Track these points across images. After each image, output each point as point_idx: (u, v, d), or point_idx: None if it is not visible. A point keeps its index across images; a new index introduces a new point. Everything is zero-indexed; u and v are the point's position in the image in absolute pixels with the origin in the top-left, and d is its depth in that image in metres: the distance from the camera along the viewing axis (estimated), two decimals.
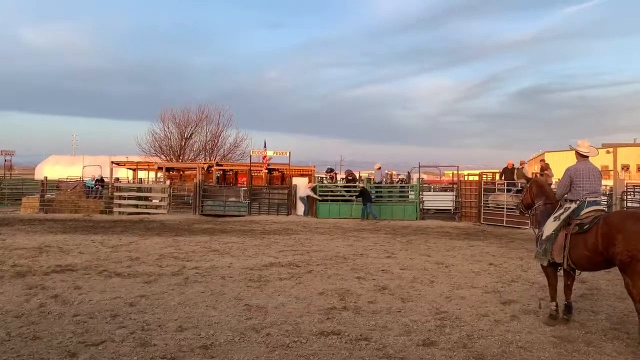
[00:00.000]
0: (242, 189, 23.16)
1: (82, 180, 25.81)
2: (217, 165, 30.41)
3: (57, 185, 24.88)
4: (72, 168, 42.71)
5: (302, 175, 26.31)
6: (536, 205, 6.65)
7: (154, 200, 22.43)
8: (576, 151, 6.22)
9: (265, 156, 26.82)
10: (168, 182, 24.68)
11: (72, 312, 6.19)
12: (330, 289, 7.62)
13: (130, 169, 33.09)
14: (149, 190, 24.54)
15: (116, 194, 22.17)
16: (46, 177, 24.89)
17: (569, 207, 5.92)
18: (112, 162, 29.57)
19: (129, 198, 22.24)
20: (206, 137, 40.41)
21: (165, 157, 38.38)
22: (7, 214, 21.15)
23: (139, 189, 24.07)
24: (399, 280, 8.36)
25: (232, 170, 33.02)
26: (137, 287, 7.61)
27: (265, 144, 26.94)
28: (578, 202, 5.89)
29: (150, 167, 30.92)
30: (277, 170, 30.04)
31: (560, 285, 6.15)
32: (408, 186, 23.31)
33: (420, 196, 21.24)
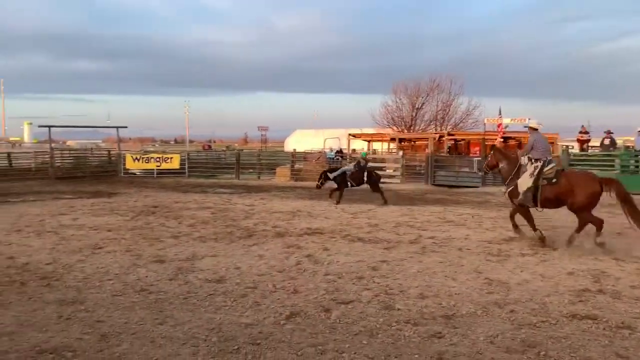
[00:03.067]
0: (475, 159, 22.45)
1: (324, 151, 28.15)
2: (449, 135, 30.03)
3: (304, 156, 27.64)
4: (314, 140, 46.86)
5: None
6: (501, 166, 9.19)
7: (387, 170, 23.29)
8: (530, 127, 8.99)
9: (500, 124, 25.41)
10: (401, 152, 25.33)
11: (323, 271, 6.85)
12: (582, 269, 6.91)
13: (365, 140, 34.90)
14: (383, 160, 25.57)
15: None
16: (295, 149, 27.89)
17: (537, 166, 8.36)
18: (349, 135, 31.57)
19: None
20: (437, 106, 40.19)
21: (397, 128, 39.38)
22: (265, 182, 24.35)
23: (374, 159, 25.26)
24: None
25: (464, 139, 32.23)
26: (378, 252, 8.03)
27: (500, 111, 25.49)
28: (542, 161, 8.35)
29: (384, 139, 32.12)
30: (514, 138, 28.27)
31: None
32: None
33: None
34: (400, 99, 40.51)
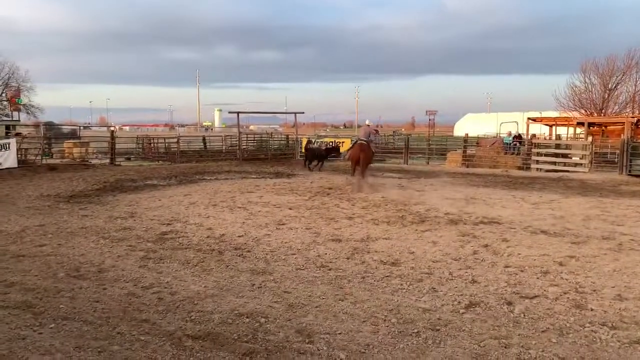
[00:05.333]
0: None
1: (500, 136, 26.65)
2: None
3: (477, 141, 26.50)
4: (486, 125, 44.60)
5: None
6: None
7: (573, 158, 21.24)
8: (365, 124, 15.57)
9: None
10: (590, 138, 22.88)
11: (502, 263, 6.52)
12: None
13: (546, 124, 32.22)
14: (568, 147, 23.38)
15: (534, 150, 22.02)
16: (467, 134, 26.85)
17: (354, 141, 15.33)
18: (529, 119, 29.41)
19: (546, 155, 21.76)
20: (635, 86, 35.29)
21: (585, 111, 35.54)
22: (434, 167, 23.93)
23: (557, 146, 23.23)
24: None
25: None
26: (565, 246, 7.38)
27: None
28: (356, 139, 15.11)
29: (569, 123, 29.32)
30: None
31: None
32: None
33: None
34: (589, 79, 36.42)
